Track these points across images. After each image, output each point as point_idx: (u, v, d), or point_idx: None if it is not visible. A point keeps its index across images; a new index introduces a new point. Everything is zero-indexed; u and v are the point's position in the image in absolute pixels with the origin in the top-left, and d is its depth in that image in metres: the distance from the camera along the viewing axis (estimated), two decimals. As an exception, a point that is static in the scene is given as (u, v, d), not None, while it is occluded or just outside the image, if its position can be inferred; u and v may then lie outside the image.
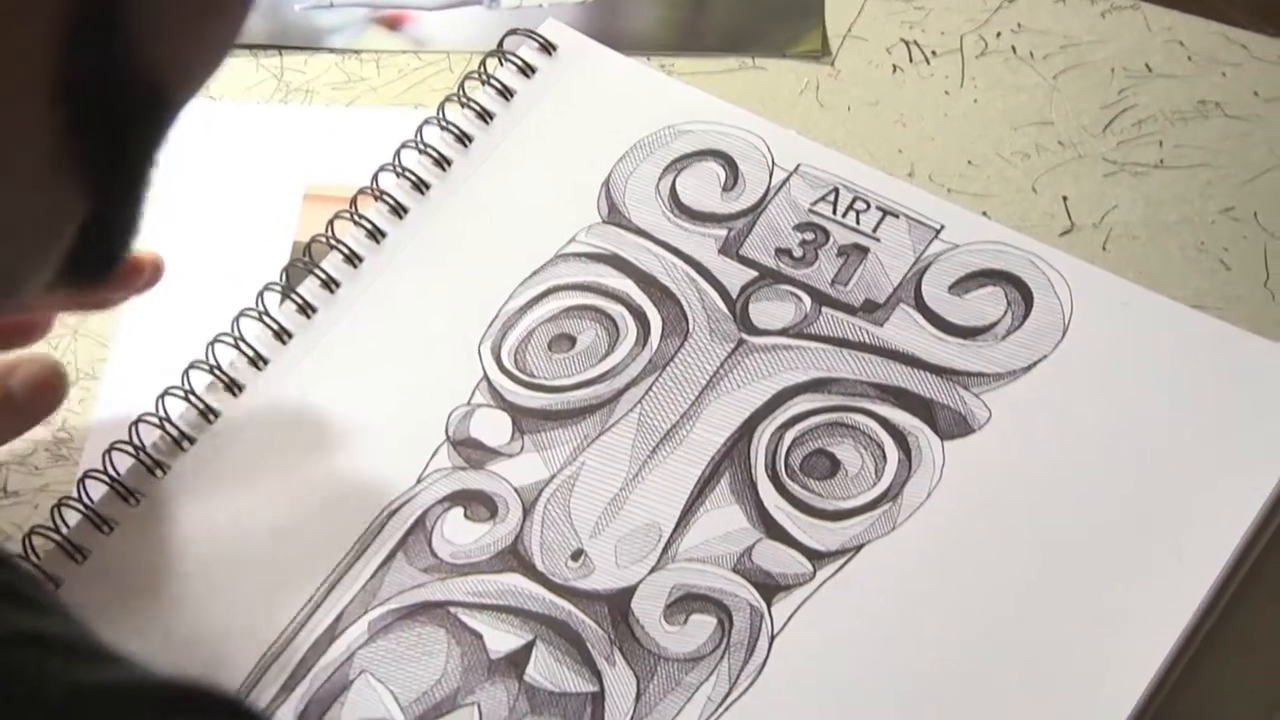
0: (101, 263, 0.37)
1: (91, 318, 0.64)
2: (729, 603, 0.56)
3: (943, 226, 0.63)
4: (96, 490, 0.58)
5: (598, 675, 0.55)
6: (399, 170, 0.65)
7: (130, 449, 0.58)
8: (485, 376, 0.61)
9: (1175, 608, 0.55)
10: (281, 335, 0.62)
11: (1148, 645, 0.55)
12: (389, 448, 0.59)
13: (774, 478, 0.58)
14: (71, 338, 0.64)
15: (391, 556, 0.57)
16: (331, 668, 0.55)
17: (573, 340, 0.62)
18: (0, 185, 0.32)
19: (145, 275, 0.57)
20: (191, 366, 0.60)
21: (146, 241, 0.67)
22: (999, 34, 0.71)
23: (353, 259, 0.64)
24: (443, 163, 0.66)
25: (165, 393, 0.60)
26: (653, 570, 0.57)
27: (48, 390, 0.57)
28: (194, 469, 0.59)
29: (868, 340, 0.61)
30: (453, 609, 0.56)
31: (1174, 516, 0.57)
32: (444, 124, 0.66)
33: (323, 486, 0.59)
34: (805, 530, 0.57)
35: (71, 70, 0.30)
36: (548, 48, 0.69)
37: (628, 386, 0.60)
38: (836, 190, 0.65)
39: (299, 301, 0.62)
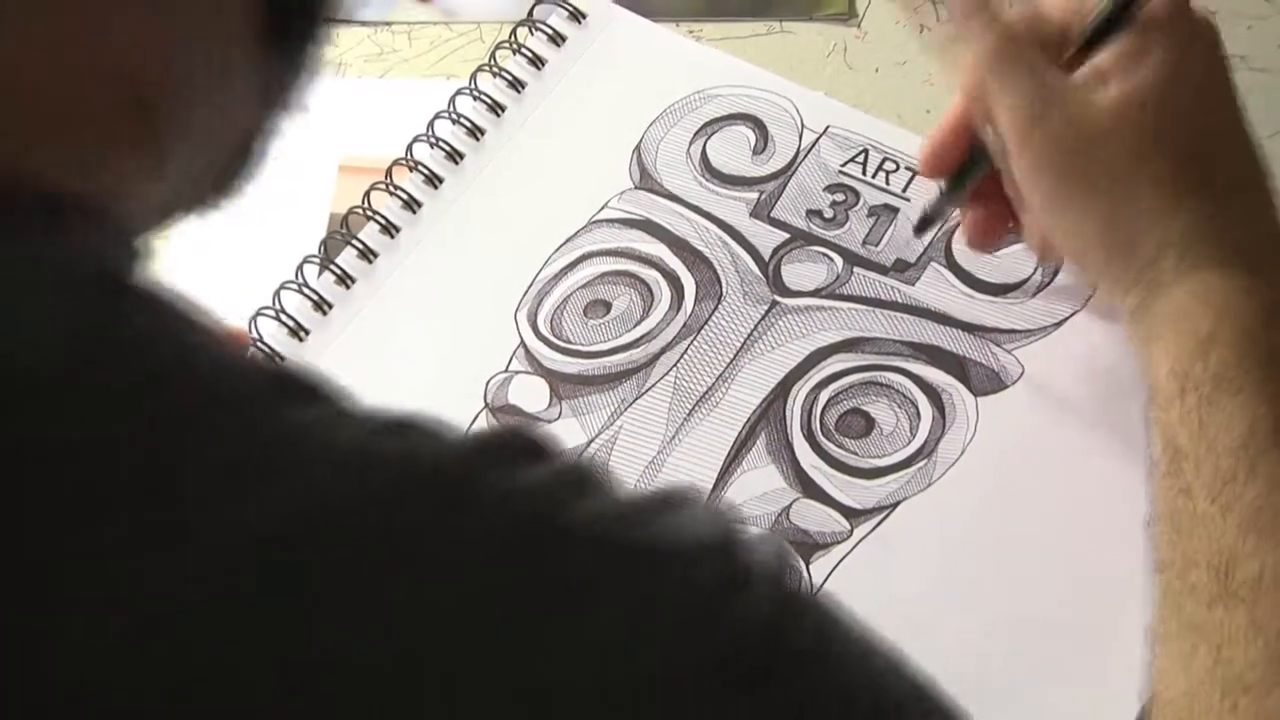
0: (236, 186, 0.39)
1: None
2: (768, 561, 0.55)
3: (972, 185, 0.63)
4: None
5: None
6: (433, 141, 0.65)
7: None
8: (522, 343, 0.60)
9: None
10: (321, 306, 0.61)
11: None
12: (429, 415, 0.58)
13: (810, 437, 0.58)
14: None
15: (434, 524, 0.56)
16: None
17: (608, 306, 0.61)
18: (218, 93, 0.34)
19: None
20: (234, 339, 0.58)
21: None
22: None
23: (389, 229, 0.63)
24: (476, 132, 0.65)
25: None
26: (693, 530, 0.56)
27: None
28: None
29: (900, 299, 0.61)
30: (496, 574, 0.55)
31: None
32: (476, 94, 0.66)
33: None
34: (841, 489, 0.57)
35: None
36: (577, 16, 0.68)
37: (663, 350, 0.60)
38: (866, 151, 0.64)
39: (338, 272, 0.62)
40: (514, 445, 0.30)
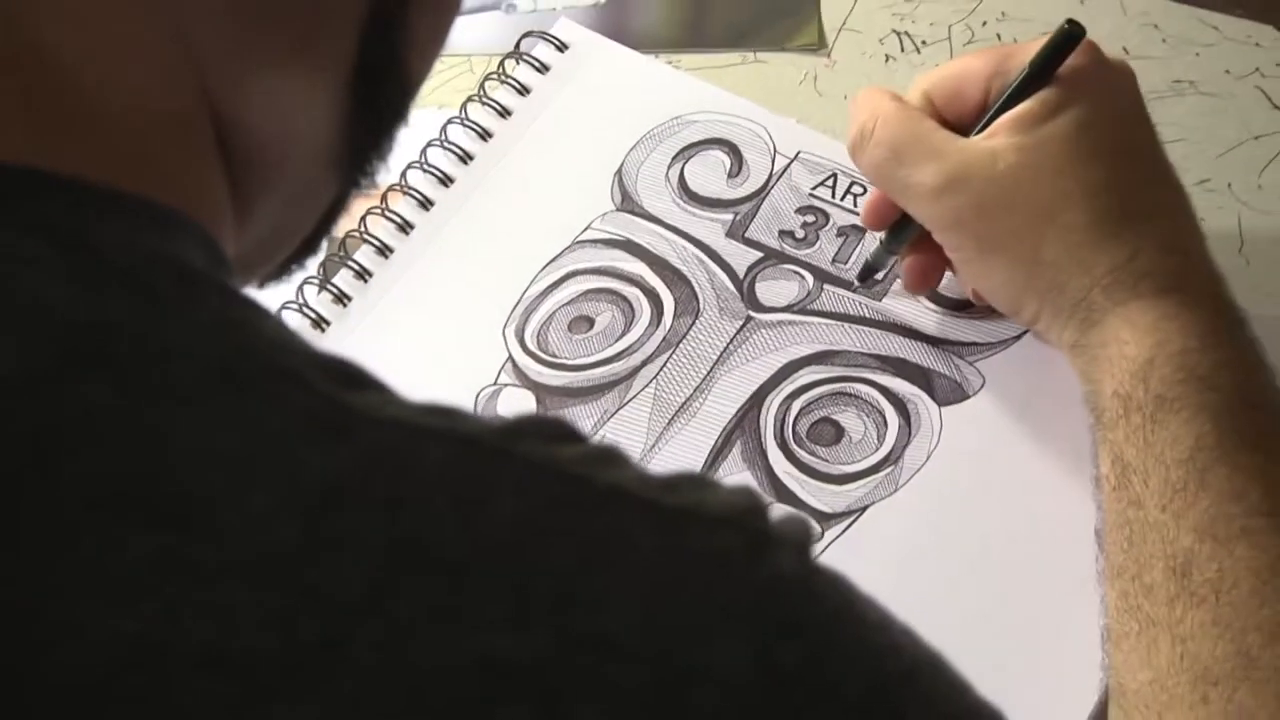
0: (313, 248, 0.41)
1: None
2: (744, 562, 0.56)
3: (935, 206, 0.63)
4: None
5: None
6: (425, 167, 0.65)
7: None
8: (510, 358, 0.60)
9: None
10: (320, 324, 0.62)
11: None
12: (422, 427, 0.58)
13: (782, 445, 0.58)
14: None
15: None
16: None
17: (591, 321, 0.61)
18: (305, 155, 0.36)
19: None
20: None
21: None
22: (984, 23, 0.71)
23: (384, 250, 0.63)
24: (465, 158, 0.65)
25: None
26: (673, 533, 0.57)
27: None
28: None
29: (867, 314, 0.61)
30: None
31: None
32: (466, 122, 0.66)
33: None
34: (813, 494, 0.57)
35: (364, 56, 0.35)
36: (561, 46, 0.68)
37: (644, 364, 0.60)
38: (835, 175, 0.64)
39: (335, 292, 0.62)
40: (546, 427, 0.30)
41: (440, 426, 0.29)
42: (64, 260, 0.27)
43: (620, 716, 0.26)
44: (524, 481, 0.28)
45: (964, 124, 0.56)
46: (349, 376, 0.29)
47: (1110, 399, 0.51)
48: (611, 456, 0.30)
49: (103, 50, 0.30)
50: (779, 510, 0.33)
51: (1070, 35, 0.54)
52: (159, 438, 0.26)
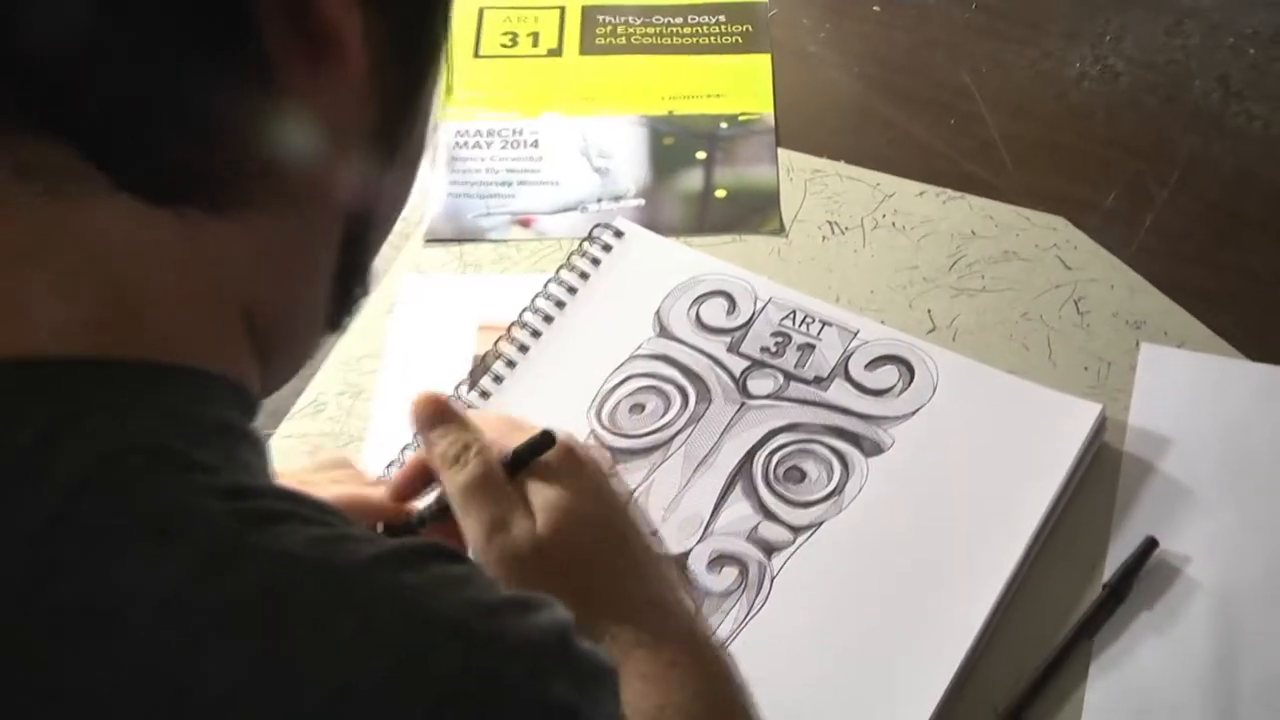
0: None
1: (358, 401, 0.67)
2: (745, 560, 0.61)
3: (858, 331, 0.69)
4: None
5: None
6: (534, 310, 0.70)
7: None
8: (592, 430, 0.65)
9: (1004, 558, 0.60)
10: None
11: (985, 583, 0.59)
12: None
13: (767, 483, 0.63)
14: (352, 400, 0.69)
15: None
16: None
17: (643, 406, 0.66)
18: (304, 330, 0.39)
19: None
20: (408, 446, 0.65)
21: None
22: (884, 215, 0.76)
23: (510, 363, 0.68)
24: (559, 304, 0.71)
25: (391, 465, 0.64)
26: (699, 541, 0.61)
27: None
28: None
29: (819, 400, 0.66)
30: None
31: (999, 503, 0.61)
32: (558, 282, 0.72)
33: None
34: (787, 514, 0.62)
35: (342, 260, 0.38)
36: (618, 233, 0.74)
37: (677, 434, 0.65)
38: (794, 311, 0.69)
39: (480, 390, 0.67)
40: (410, 554, 0.30)
41: (317, 558, 0.29)
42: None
43: None
44: (364, 605, 0.28)
45: None
46: (270, 514, 0.29)
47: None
48: (456, 579, 0.30)
49: (168, 287, 0.32)
50: (586, 645, 0.32)
51: (543, 442, 0.48)
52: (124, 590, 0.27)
